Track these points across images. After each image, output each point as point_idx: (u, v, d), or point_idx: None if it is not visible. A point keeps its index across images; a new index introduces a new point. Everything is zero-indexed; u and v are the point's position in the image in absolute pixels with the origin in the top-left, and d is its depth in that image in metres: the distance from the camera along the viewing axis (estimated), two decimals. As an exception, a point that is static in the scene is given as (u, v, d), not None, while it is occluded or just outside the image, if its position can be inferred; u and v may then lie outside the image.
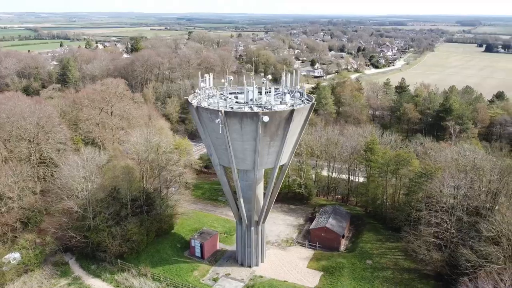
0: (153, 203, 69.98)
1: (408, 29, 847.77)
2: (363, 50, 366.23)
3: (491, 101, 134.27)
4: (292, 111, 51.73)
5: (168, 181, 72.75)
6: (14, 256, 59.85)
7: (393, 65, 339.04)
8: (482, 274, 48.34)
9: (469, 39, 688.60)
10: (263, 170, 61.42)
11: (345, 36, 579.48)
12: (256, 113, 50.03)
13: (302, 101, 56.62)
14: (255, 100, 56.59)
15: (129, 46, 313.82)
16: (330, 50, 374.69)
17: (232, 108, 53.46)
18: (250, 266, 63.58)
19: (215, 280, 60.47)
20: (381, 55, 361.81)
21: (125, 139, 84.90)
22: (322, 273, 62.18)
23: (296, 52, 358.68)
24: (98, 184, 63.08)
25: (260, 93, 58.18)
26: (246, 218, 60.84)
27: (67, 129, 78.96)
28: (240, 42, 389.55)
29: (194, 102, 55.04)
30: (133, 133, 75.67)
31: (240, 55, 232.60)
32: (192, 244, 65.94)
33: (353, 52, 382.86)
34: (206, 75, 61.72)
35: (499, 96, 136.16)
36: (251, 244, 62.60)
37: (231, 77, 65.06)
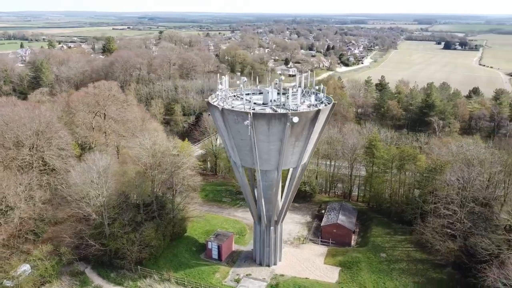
0: (165, 207, 69.19)
1: (370, 27, 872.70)
2: (332, 48, 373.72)
3: (468, 97, 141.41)
4: (318, 111, 52.79)
5: (176, 185, 72.00)
6: (24, 269, 57.61)
7: (362, 63, 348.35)
8: (499, 261, 51.42)
9: (427, 36, 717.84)
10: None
11: (311, 34, 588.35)
12: (285, 114, 50.69)
13: (321, 101, 57.63)
14: (275, 101, 57.24)
15: (96, 47, 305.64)
16: (300, 48, 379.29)
17: (254, 109, 53.80)
18: (269, 266, 64.19)
19: (237, 281, 60.69)
20: (349, 53, 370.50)
21: (126, 143, 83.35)
22: (339, 268, 63.68)
23: (267, 51, 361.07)
24: (112, 190, 61.67)
25: (278, 94, 58.86)
26: (265, 218, 61.43)
27: (68, 135, 76.32)
28: (209, 42, 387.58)
29: (215, 104, 55.01)
30: (139, 136, 74.25)
31: (216, 55, 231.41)
32: (209, 246, 65.76)
33: (322, 50, 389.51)
34: (223, 76, 61.67)
35: (475, 91, 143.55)
36: (270, 244, 63.22)
37: (245, 79, 65.28)
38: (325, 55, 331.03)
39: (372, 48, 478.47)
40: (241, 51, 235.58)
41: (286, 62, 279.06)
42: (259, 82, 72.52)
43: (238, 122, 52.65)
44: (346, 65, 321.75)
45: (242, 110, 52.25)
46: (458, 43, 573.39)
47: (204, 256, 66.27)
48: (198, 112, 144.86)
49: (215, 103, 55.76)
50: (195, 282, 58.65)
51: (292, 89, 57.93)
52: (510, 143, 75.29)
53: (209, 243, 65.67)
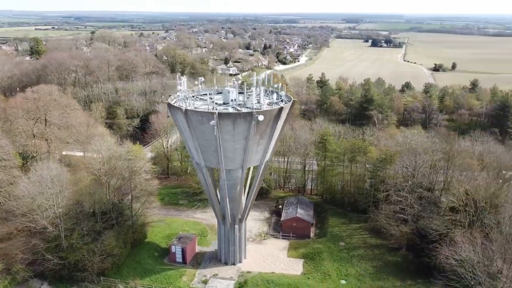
0: (123, 214, 66.95)
1: (301, 26, 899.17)
2: (269, 47, 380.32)
3: (402, 91, 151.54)
4: (281, 109, 54.19)
5: (133, 190, 69.93)
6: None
7: (298, 61, 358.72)
8: (448, 239, 56.38)
9: (355, 35, 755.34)
10: (244, 168, 62.84)
11: (246, 34, 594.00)
12: (251, 113, 51.45)
13: (282, 99, 59.04)
14: (236, 100, 57.81)
15: (20, 48, 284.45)
16: (238, 48, 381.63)
17: (216, 109, 53.93)
18: (234, 264, 64.65)
19: (205, 282, 60.50)
20: (285, 52, 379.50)
21: (74, 150, 79.36)
22: (303, 260, 65.87)
23: (204, 51, 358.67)
24: (67, 199, 58.56)
25: (240, 93, 59.52)
26: (230, 217, 61.83)
27: (10, 144, 70.98)
28: (144, 42, 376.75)
29: (177, 105, 54.38)
30: (91, 142, 71.08)
31: (155, 55, 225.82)
32: (173, 250, 64.77)
33: (259, 49, 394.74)
34: (182, 77, 61.03)
35: (407, 86, 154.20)
36: (235, 242, 63.73)
37: (203, 79, 65.05)
38: (262, 54, 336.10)
39: (306, 46, 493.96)
40: (180, 51, 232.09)
41: (226, 61, 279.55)
42: (206, 82, 72.64)
43: (203, 123, 52.54)
44: (284, 63, 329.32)
45: (207, 110, 52.18)
46: (383, 41, 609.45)
47: (168, 260, 65.17)
48: (142, 114, 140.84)
49: (176, 104, 55.10)
50: (162, 287, 57.60)
51: (256, 89, 58.53)
52: (443, 132, 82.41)
53: (173, 247, 64.68)
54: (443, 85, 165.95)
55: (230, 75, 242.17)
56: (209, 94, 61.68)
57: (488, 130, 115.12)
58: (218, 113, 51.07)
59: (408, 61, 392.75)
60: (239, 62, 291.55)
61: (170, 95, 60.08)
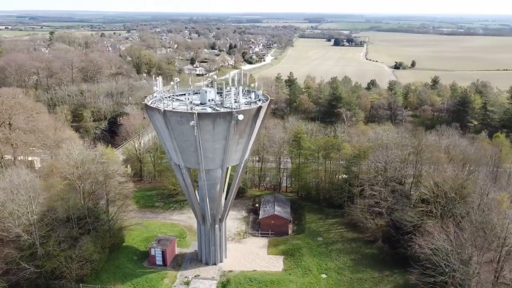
0: (99, 218, 65.38)
1: (265, 26, 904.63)
2: (235, 47, 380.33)
3: (368, 88, 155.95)
4: (259, 108, 54.77)
5: (108, 194, 68.48)
6: None
7: (264, 61, 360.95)
8: (421, 230, 58.95)
9: (318, 34, 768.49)
10: (223, 168, 62.92)
11: (211, 33, 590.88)
12: (230, 113, 51.72)
13: (259, 99, 59.61)
14: (213, 100, 57.92)
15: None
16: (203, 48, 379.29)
17: (194, 109, 53.81)
18: (215, 264, 64.70)
19: (187, 283, 60.24)
20: (251, 52, 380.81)
21: (43, 155, 76.64)
22: (283, 256, 66.86)
23: (169, 51, 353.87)
24: (41, 206, 56.60)
25: (218, 93, 59.73)
26: (210, 217, 61.84)
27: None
28: (105, 42, 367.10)
29: (154, 106, 53.85)
30: (62, 147, 68.97)
31: (120, 55, 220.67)
32: (152, 253, 64.02)
33: (224, 49, 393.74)
34: (158, 78, 60.43)
35: (373, 83, 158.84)
36: (215, 242, 63.81)
37: (178, 79, 64.57)
38: (228, 54, 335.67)
39: (271, 46, 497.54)
40: (145, 51, 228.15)
41: (192, 61, 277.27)
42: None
43: (182, 123, 52.30)
44: (250, 63, 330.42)
45: (186, 111, 51.99)
46: (345, 40, 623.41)
47: (148, 263, 64.36)
48: (110, 116, 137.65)
49: (153, 105, 54.53)
50: (145, 291, 56.90)
51: (235, 89, 58.70)
52: (409, 127, 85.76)
53: (152, 250, 63.93)
54: (404, 82, 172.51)
55: (197, 75, 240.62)
56: (186, 94, 61.59)
57: (449, 125, 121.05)
58: (197, 113, 51.02)
59: (370, 60, 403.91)
60: (205, 62, 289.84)
61: (145, 96, 59.34)
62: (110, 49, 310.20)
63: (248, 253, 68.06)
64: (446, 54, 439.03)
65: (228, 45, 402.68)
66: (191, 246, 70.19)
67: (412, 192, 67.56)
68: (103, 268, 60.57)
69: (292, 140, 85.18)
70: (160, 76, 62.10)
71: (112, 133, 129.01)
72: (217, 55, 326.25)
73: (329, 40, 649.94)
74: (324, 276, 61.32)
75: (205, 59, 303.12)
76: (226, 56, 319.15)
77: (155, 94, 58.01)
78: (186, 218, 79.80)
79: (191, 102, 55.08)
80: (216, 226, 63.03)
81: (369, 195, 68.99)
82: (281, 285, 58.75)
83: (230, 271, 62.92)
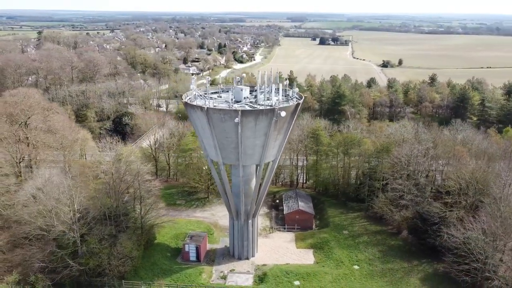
0: (132, 216, 65.94)
1: (248, 25, 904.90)
2: (224, 46, 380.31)
3: (369, 86, 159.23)
4: (297, 105, 56.41)
5: (139, 191, 69.03)
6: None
7: (254, 60, 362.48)
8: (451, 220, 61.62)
9: (302, 33, 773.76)
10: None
11: (196, 33, 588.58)
12: (273, 110, 53.14)
13: (291, 96, 60.99)
14: (248, 98, 59.26)
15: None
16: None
17: (233, 106, 55.04)
18: (248, 258, 66.02)
19: (224, 278, 61.47)
20: (240, 51, 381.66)
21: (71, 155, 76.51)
22: (312, 249, 68.70)
23: (157, 51, 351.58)
24: (81, 204, 57.01)
25: (251, 91, 61.10)
26: (244, 212, 63.14)
27: (4, 150, 67.33)
28: (92, 42, 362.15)
29: (196, 103, 54.95)
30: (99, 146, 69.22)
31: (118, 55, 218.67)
32: (186, 249, 64.94)
33: (213, 48, 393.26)
34: (193, 77, 61.39)
35: (372, 81, 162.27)
36: (248, 237, 65.16)
37: (210, 77, 65.64)
38: (220, 53, 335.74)
39: (259, 45, 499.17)
40: (140, 51, 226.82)
41: (185, 61, 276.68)
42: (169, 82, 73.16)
43: (225, 121, 53.46)
44: (241, 62, 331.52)
45: (230, 108, 53.23)
46: (330, 39, 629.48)
47: (181, 259, 65.29)
48: (115, 116, 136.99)
49: (193, 103, 55.57)
50: (186, 286, 57.83)
51: (268, 86, 60.03)
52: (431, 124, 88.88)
53: (186, 246, 64.85)
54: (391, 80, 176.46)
55: (192, 74, 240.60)
56: (218, 92, 62.90)
57: (450, 121, 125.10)
58: (241, 110, 52.28)
59: (357, 58, 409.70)
60: (197, 61, 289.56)
61: (181, 95, 60.32)
62: (97, 48, 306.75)
63: (277, 247, 69.61)
64: (428, 52, 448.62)
65: (217, 45, 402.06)
66: (221, 242, 71.34)
67: (434, 185, 70.12)
68: (140, 265, 61.21)
69: (310, 137, 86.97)
70: (195, 76, 62.80)
71: (117, 133, 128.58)
72: (208, 54, 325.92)
73: (314, 39, 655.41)
74: (356, 267, 63.35)
75: (197, 58, 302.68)
76: (217, 56, 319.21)
77: (192, 92, 58.90)
78: (209, 215, 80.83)
79: (231, 100, 56.23)
80: (249, 221, 64.35)
81: (392, 189, 71.36)
82: (317, 276, 60.51)
83: (264, 265, 64.37)
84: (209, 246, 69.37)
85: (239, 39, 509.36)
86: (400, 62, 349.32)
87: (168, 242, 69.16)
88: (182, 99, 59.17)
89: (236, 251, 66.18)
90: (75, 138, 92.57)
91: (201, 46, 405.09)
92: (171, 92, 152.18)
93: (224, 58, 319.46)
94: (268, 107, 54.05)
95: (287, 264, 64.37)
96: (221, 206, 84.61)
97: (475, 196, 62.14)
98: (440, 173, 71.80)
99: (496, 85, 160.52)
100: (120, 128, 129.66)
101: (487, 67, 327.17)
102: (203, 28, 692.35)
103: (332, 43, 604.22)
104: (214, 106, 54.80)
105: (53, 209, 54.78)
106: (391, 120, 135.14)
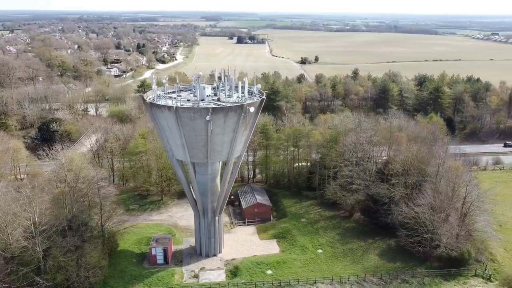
0: (91, 225, 62.88)
1: (162, 24, 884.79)
2: (143, 46, 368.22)
3: (299, 82, 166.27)
4: (262, 100, 58.38)
5: (97, 199, 65.96)
6: None
7: (176, 59, 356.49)
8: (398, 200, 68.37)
9: (219, 32, 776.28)
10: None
11: (109, 33, 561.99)
12: (241, 106, 54.50)
13: (252, 93, 62.77)
14: (211, 96, 59.97)
15: None
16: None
17: (197, 105, 55.47)
18: (215, 255, 66.66)
19: (196, 276, 61.55)
20: (160, 51, 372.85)
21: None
22: (275, 240, 71.39)
23: (69, 52, 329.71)
24: (42, 216, 53.26)
25: (213, 89, 61.79)
26: (210, 209, 63.69)
27: None
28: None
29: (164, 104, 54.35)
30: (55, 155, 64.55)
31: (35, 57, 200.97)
32: (153, 252, 63.69)
33: (131, 49, 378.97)
34: (154, 77, 60.27)
35: (301, 77, 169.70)
36: (215, 234, 65.83)
37: (167, 77, 64.89)
38: (141, 53, 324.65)
39: (178, 44, 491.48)
40: (57, 52, 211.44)
41: (105, 62, 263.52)
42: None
43: (195, 119, 53.67)
44: (163, 62, 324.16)
45: (201, 106, 53.54)
46: (248, 38, 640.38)
47: (148, 263, 63.91)
48: (39, 123, 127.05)
49: (158, 103, 54.87)
50: (163, 289, 57.04)
51: (228, 84, 61.09)
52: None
53: (153, 249, 63.60)
54: (314, 75, 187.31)
55: (115, 76, 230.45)
56: (176, 92, 62.70)
57: (375, 111, 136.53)
58: (212, 108, 52.90)
59: (276, 56, 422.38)
60: (117, 62, 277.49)
61: (142, 95, 59.08)
62: (0, 50, 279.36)
63: (242, 241, 71.15)
64: (338, 49, 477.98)
65: (135, 45, 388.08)
66: (184, 242, 70.95)
67: (378, 168, 76.78)
68: (108, 274, 58.82)
69: (259, 132, 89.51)
70: (155, 76, 61.70)
71: (45, 141, 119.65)
72: (128, 54, 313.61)
73: (231, 38, 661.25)
74: (320, 251, 67.32)
75: (116, 59, 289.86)
76: (138, 56, 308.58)
77: (152, 93, 57.99)
78: (167, 217, 79.69)
79: (198, 99, 56.43)
80: (216, 218, 65.05)
81: (343, 175, 76.74)
82: (287, 263, 63.30)
83: (233, 259, 65.56)
84: (173, 248, 68.61)
85: (156, 38, 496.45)
86: (316, 59, 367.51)
87: (131, 248, 67.09)
88: (143, 100, 57.93)
89: (203, 249, 66.40)
90: (5, 148, 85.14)
91: (117, 47, 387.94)
92: (100, 95, 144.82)
93: (145, 58, 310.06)
94: (236, 104, 55.30)
95: (254, 256, 66.21)
96: (177, 207, 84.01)
97: (418, 176, 69.44)
98: (386, 157, 78.63)
99: (408, 77, 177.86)
100: (48, 136, 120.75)
101: (393, 61, 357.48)
102: (115, 28, 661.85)
103: (250, 41, 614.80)
104: (182, 105, 54.66)
105: (8, 225, 50.60)
106: (322, 112, 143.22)
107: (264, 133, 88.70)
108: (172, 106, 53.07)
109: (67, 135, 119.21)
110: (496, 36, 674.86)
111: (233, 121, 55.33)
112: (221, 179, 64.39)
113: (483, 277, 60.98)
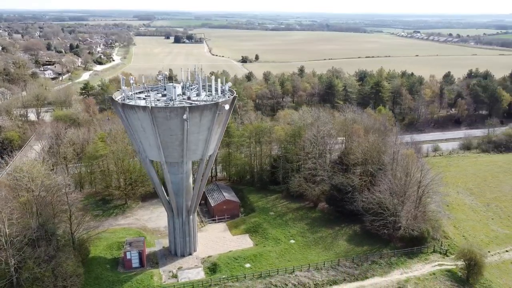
0: (54, 233, 60.19)
1: (92, 24, 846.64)
2: (77, 47, 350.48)
3: (248, 80, 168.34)
4: (234, 98, 59.50)
5: (60, 207, 63.19)
6: None
7: (113, 60, 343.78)
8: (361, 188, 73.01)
9: (154, 32, 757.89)
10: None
11: (35, 33, 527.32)
12: (217, 104, 55.25)
13: (223, 92, 63.56)
14: (181, 95, 60.09)
15: None
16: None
17: (173, 105, 55.48)
18: (190, 254, 66.82)
19: (175, 276, 61.43)
20: (95, 52, 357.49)
21: None
22: (247, 234, 72.99)
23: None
24: (11, 226, 50.29)
25: (182, 88, 61.82)
26: (184, 209, 63.77)
27: None
28: None
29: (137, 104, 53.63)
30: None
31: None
32: (128, 256, 62.44)
33: (63, 50, 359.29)
34: (122, 77, 59.05)
35: (250, 75, 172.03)
36: (190, 233, 65.97)
37: (135, 77, 63.73)
38: (76, 54, 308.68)
39: (113, 45, 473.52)
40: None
41: (38, 64, 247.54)
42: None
43: (171, 119, 53.58)
44: (100, 63, 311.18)
45: (176, 106, 53.52)
46: (185, 37, 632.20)
47: (123, 268, 62.57)
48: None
49: (131, 103, 54.05)
50: (144, 292, 56.28)
51: (196, 84, 61.46)
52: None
53: (128, 253, 62.34)
54: (256, 74, 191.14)
55: (52, 79, 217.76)
56: (144, 92, 62.11)
57: (323, 105, 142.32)
58: (188, 107, 53.16)
59: (216, 55, 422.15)
60: (51, 64, 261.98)
61: (110, 96, 57.77)
62: None
63: (215, 238, 71.87)
64: (276, 47, 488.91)
65: (67, 46, 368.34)
66: (157, 244, 70.17)
67: (339, 157, 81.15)
68: (84, 283, 56.86)
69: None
70: (123, 77, 60.46)
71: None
72: (62, 56, 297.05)
73: (168, 37, 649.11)
74: (293, 241, 69.97)
75: (49, 61, 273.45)
76: (73, 57, 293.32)
77: (121, 93, 56.98)
78: (134, 221, 78.09)
79: (171, 98, 56.29)
80: (190, 217, 65.21)
81: (306, 168, 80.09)
82: (264, 256, 65.16)
83: (209, 256, 66.16)
84: (147, 251, 67.58)
85: (89, 39, 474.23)
86: (257, 57, 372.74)
87: (103, 254, 65.18)
88: (113, 100, 56.64)
89: (178, 249, 66.23)
90: None
91: (48, 48, 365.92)
92: (42, 99, 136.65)
93: (80, 59, 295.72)
94: (212, 102, 55.98)
95: (230, 251, 67.31)
96: (143, 210, 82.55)
97: (377, 164, 74.55)
98: (345, 147, 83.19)
99: (349, 73, 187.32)
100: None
101: (330, 59, 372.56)
102: (40, 28, 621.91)
103: (187, 41, 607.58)
104: (156, 105, 54.29)
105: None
106: (273, 109, 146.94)
107: (226, 131, 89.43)
108: (148, 106, 52.59)
109: (9, 143, 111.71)
110: (418, 34, 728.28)
111: (208, 119, 55.98)
112: (193, 178, 64.65)
113: (440, 253, 67.20)
